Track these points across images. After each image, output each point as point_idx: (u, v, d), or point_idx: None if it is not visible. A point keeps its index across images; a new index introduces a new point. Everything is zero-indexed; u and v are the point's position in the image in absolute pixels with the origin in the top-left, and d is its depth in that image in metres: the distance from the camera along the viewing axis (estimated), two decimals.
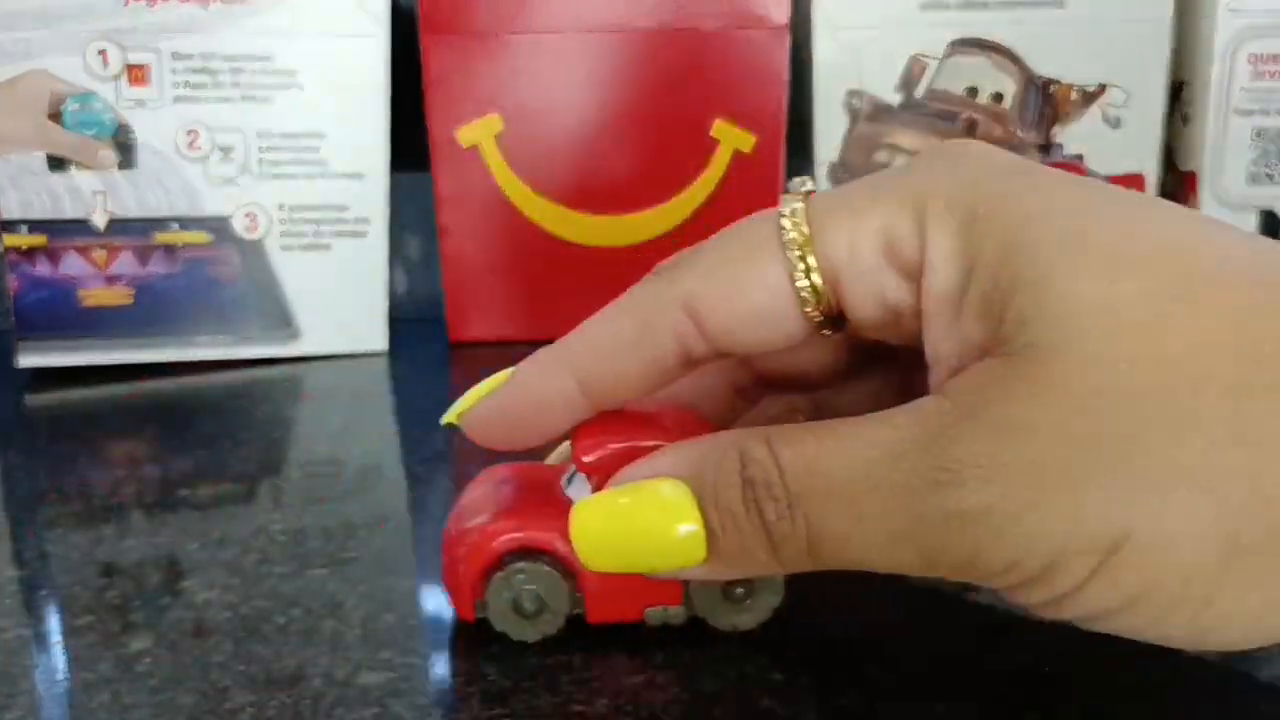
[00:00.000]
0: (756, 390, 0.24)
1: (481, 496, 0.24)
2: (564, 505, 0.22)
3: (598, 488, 0.22)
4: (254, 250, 0.45)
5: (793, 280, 0.20)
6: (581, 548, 0.20)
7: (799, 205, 0.20)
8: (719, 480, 0.19)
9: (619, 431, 0.22)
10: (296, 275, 0.45)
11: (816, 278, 0.20)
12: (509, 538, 0.23)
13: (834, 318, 0.21)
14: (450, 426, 0.24)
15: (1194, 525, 0.16)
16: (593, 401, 0.22)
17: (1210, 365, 0.17)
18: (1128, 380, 0.17)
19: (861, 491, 0.18)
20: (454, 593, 0.23)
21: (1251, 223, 0.47)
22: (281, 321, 0.46)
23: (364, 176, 0.46)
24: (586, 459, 0.22)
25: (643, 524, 0.20)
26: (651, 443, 0.21)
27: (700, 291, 0.21)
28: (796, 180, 0.21)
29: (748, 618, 0.23)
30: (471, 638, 0.24)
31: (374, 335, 0.47)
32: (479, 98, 0.46)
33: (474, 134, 0.46)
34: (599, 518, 0.20)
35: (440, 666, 0.23)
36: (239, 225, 0.45)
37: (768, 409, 0.24)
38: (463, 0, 0.45)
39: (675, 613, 0.23)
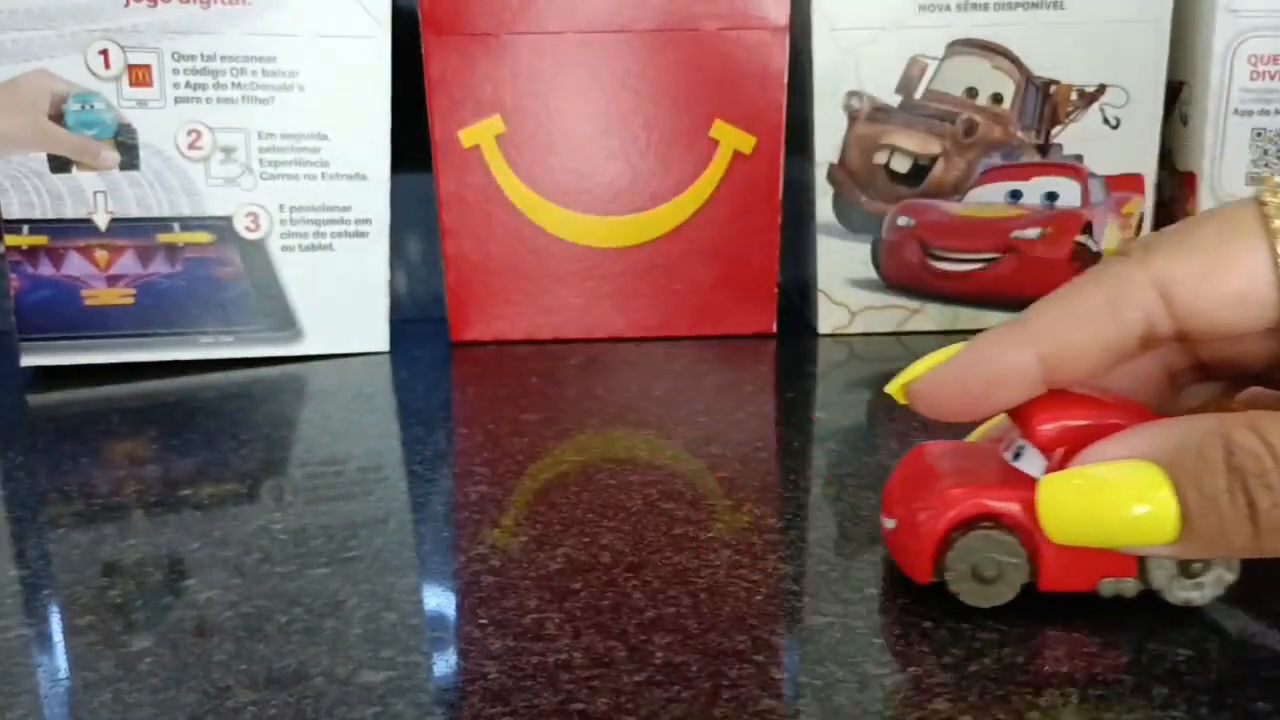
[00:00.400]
0: (1188, 376, 0.24)
1: (926, 469, 0.25)
2: (1016, 476, 0.23)
3: (1057, 464, 0.22)
4: (256, 250, 0.45)
5: (1277, 264, 0.20)
6: (1050, 520, 0.21)
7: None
8: (1201, 465, 0.19)
9: (1073, 409, 0.23)
10: (298, 275, 0.45)
11: None
12: (975, 502, 0.23)
13: None
14: (890, 398, 0.25)
15: None
16: (1049, 377, 0.22)
17: None
18: None
19: None
20: (912, 555, 0.24)
21: None
22: (283, 322, 0.46)
23: (366, 177, 0.46)
24: (1045, 429, 0.23)
25: (1115, 501, 0.20)
26: (1113, 421, 0.22)
27: (1175, 272, 0.21)
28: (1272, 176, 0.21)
29: (1202, 594, 0.24)
30: (473, 637, 0.24)
31: (375, 335, 0.47)
32: (480, 99, 0.46)
33: (475, 135, 0.46)
34: (1071, 492, 0.21)
35: (442, 665, 0.23)
36: (241, 225, 0.45)
37: (1198, 394, 0.24)
38: (464, 1, 0.45)
39: (1129, 585, 0.23)
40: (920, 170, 0.48)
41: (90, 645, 0.24)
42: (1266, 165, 0.46)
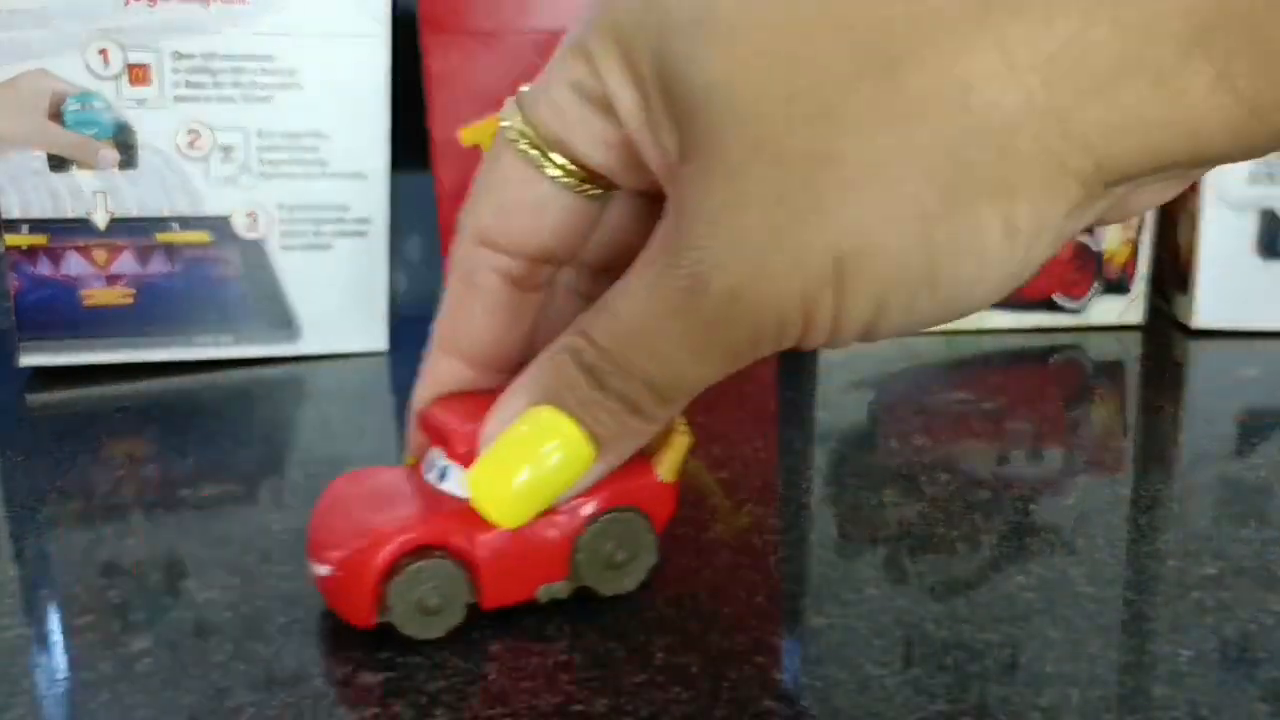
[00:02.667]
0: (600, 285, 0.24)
1: (350, 505, 0.24)
2: (444, 499, 0.23)
3: None
4: (255, 250, 0.45)
5: (538, 166, 0.22)
6: (491, 508, 0.22)
7: (512, 109, 0.23)
8: (563, 384, 0.21)
9: (470, 415, 0.23)
10: (297, 275, 0.45)
11: (552, 154, 0.22)
12: (406, 539, 0.23)
13: (595, 180, 0.22)
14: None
15: (889, 220, 0.18)
16: (479, 368, 0.25)
17: (827, 64, 0.17)
18: (774, 127, 0.18)
19: (653, 329, 0.20)
20: (353, 599, 0.23)
21: (1252, 222, 0.47)
22: (282, 321, 0.46)
23: (365, 176, 0.46)
24: (462, 449, 0.23)
25: (531, 456, 0.21)
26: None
27: (486, 224, 0.24)
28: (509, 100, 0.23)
29: (628, 581, 0.25)
30: (472, 638, 0.24)
31: (375, 335, 0.47)
32: (480, 97, 0.46)
33: (475, 134, 0.46)
34: (496, 474, 0.22)
35: (441, 665, 0.23)
36: (240, 225, 0.45)
37: (559, 311, 0.26)
38: (463, 0, 0.45)
39: (562, 586, 0.24)
40: None
41: (89, 645, 0.24)
42: (1267, 165, 0.46)
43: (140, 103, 0.43)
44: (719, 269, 0.19)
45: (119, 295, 0.44)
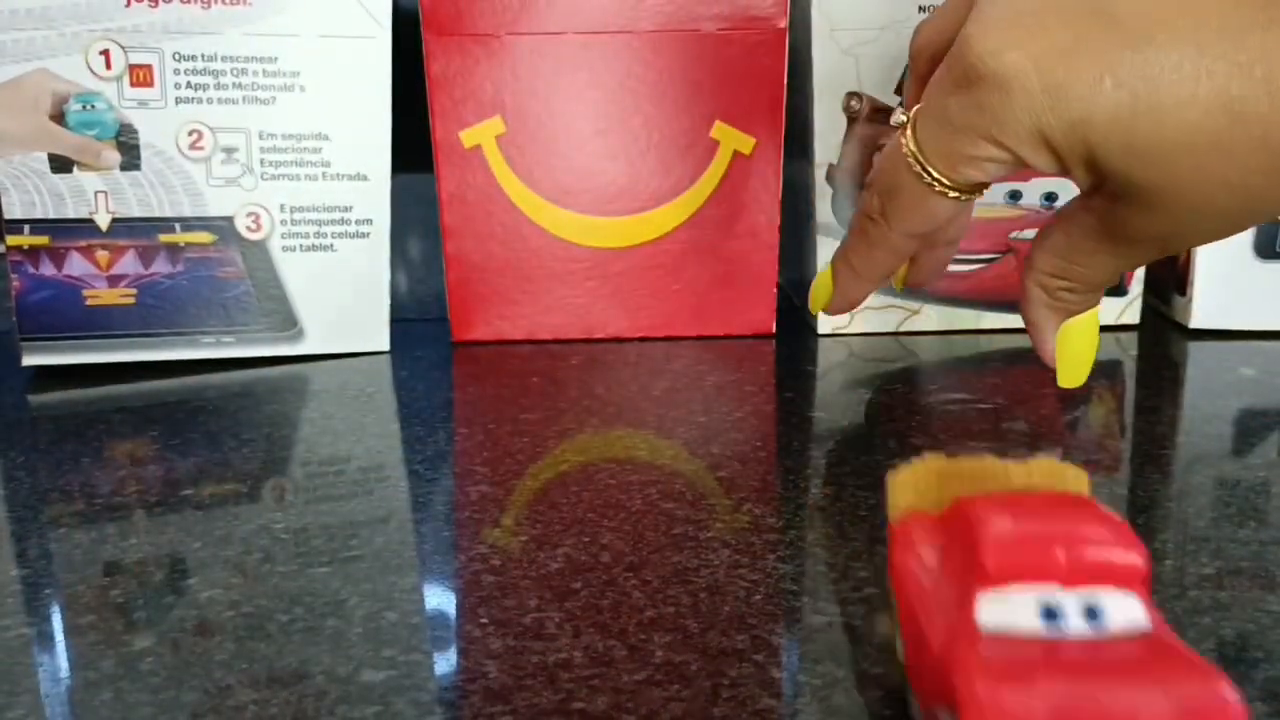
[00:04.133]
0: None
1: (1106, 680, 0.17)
2: (1110, 652, 0.17)
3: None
4: (257, 251, 0.45)
5: (939, 192, 0.30)
6: (1079, 380, 0.33)
7: (922, 158, 0.30)
8: (1055, 301, 0.32)
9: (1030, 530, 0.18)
10: (299, 276, 0.46)
11: (951, 178, 0.29)
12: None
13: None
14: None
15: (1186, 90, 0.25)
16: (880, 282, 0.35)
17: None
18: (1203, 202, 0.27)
19: (1102, 263, 0.30)
20: None
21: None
22: (284, 322, 0.46)
23: (367, 177, 0.46)
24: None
25: (1090, 343, 0.32)
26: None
27: (912, 230, 0.32)
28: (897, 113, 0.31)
29: None
30: (473, 636, 0.24)
31: (377, 335, 0.47)
32: (481, 99, 0.46)
33: (476, 135, 0.46)
34: (1081, 368, 0.33)
35: (442, 664, 0.23)
36: (242, 226, 0.45)
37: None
38: (465, 2, 0.45)
39: None
40: None
41: (91, 644, 0.24)
42: None
43: (142, 104, 0.43)
44: (1166, 249, 0.29)
45: (121, 295, 0.44)
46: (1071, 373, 0.32)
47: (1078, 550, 0.17)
